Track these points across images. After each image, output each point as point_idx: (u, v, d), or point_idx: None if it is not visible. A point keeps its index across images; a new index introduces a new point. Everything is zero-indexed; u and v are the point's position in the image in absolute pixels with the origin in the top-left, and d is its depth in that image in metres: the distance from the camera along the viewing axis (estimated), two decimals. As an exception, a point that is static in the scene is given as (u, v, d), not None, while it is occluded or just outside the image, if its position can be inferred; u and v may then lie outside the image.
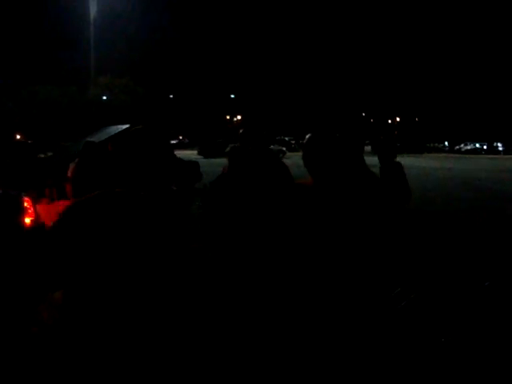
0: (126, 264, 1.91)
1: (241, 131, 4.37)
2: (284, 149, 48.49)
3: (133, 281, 1.92)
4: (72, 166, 6.62)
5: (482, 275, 5.91)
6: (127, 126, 7.77)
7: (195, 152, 48.27)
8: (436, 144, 73.46)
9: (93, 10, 57.64)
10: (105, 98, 63.40)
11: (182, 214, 2.21)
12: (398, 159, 2.81)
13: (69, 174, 6.66)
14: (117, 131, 7.72)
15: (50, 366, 1.92)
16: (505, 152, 64.36)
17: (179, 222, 2.27)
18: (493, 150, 65.91)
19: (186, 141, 79.37)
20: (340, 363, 2.64)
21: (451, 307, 4.98)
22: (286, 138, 64.34)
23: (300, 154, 2.96)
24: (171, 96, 79.37)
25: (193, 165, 7.73)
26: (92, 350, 1.88)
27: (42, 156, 15.06)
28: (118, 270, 1.90)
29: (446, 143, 76.85)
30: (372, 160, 2.98)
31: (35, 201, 6.38)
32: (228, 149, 3.91)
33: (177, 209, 2.33)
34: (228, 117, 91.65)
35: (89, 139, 7.11)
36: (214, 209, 3.71)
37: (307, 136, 2.83)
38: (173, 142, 64.65)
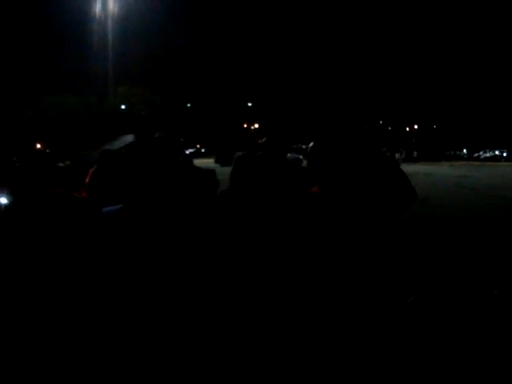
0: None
1: (263, 140, 4.37)
2: (301, 157, 48.48)
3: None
4: (90, 173, 6.68)
5: (491, 283, 5.86)
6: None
7: (212, 160, 48.49)
8: (456, 152, 72.76)
9: (111, 20, 58.19)
10: (123, 107, 63.90)
11: (192, 220, 2.21)
12: (416, 167, 2.79)
13: (86, 181, 6.71)
14: (133, 140, 7.79)
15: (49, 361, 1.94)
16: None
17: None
18: (513, 158, 65.22)
19: (203, 149, 79.70)
20: (350, 370, 2.63)
21: (464, 315, 4.94)
22: (303, 146, 64.29)
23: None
24: (188, 105, 79.84)
25: (209, 173, 7.74)
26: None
27: (61, 165, 15.20)
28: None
29: (465, 151, 76.28)
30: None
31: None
32: (235, 156, 3.90)
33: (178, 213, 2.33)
34: (245, 125, 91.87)
35: (106, 147, 7.18)
36: (224, 217, 3.70)
37: (311, 143, 2.81)
38: (190, 150, 64.93)
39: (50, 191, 2.04)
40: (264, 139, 4.39)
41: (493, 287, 5.60)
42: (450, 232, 10.31)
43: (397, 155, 58.74)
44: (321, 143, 2.78)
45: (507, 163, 57.33)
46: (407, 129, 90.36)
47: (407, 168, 41.20)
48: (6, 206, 1.81)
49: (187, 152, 56.44)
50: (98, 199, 5.67)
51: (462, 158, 71.72)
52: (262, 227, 3.37)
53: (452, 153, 70.77)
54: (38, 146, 50.57)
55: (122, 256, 2.03)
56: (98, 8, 57.78)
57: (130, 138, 8.18)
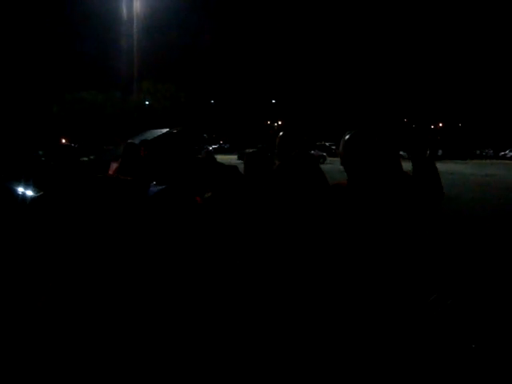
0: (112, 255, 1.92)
1: (280, 134, 4.26)
2: (324, 154, 48.39)
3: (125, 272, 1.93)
4: (115, 165, 6.71)
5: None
6: (167, 129, 7.87)
7: (235, 157, 48.55)
8: (482, 150, 71.61)
9: (136, 16, 58.50)
10: (147, 102, 64.31)
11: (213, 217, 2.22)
12: (442, 165, 2.78)
13: (110, 173, 6.76)
14: (156, 135, 7.81)
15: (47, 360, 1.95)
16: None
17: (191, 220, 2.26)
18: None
19: (227, 146, 79.85)
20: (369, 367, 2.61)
21: (487, 313, 4.89)
22: (327, 144, 64.07)
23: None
24: (212, 101, 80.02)
25: (232, 169, 7.72)
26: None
27: (86, 159, 15.34)
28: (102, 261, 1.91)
29: (491, 149, 75.24)
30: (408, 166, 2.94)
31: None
32: (245, 153, 3.87)
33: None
34: (269, 122, 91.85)
35: (130, 141, 7.20)
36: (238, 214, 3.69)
37: (347, 134, 2.80)
38: (213, 146, 65.09)
39: (96, 175, 2.05)
40: (280, 133, 4.29)
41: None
42: (476, 231, 10.19)
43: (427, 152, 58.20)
44: (358, 134, 2.77)
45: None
46: (432, 127, 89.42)
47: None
48: (51, 193, 1.80)
49: (210, 148, 56.72)
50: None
51: (488, 156, 70.64)
52: (279, 222, 3.36)
53: (478, 152, 69.68)
54: (63, 140, 51.10)
55: (165, 236, 2.04)
56: (123, 4, 58.22)
57: (153, 133, 8.23)
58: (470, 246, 8.30)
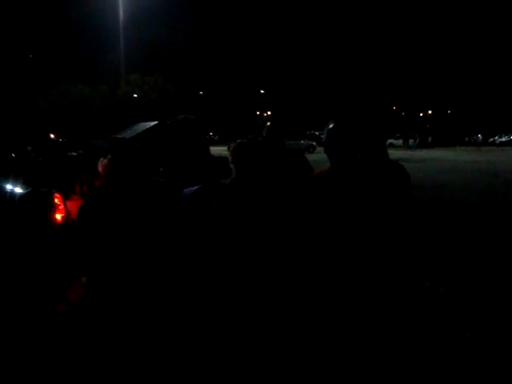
0: (143, 250, 1.91)
1: (267, 124, 4.28)
2: (314, 143, 48.32)
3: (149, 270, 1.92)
4: (104, 162, 6.67)
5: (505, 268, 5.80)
6: (155, 122, 7.84)
7: (225, 148, 48.41)
8: (471, 137, 71.79)
9: (122, 8, 58.03)
10: (135, 95, 63.96)
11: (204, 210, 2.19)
12: (431, 152, 2.78)
13: (100, 170, 6.71)
14: (145, 128, 7.77)
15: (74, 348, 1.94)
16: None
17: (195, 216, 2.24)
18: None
19: (216, 137, 79.69)
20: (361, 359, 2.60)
21: (479, 301, 4.90)
22: (317, 133, 64.08)
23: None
24: (201, 93, 79.71)
25: (222, 161, 7.69)
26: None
27: (74, 154, 15.24)
28: (136, 258, 1.90)
29: (480, 136, 75.54)
30: (404, 153, 2.92)
31: (65, 198, 6.49)
32: (233, 145, 3.85)
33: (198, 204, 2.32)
34: (258, 112, 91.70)
35: (119, 136, 7.16)
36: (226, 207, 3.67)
37: (331, 123, 2.79)
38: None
39: (131, 177, 2.03)
40: (268, 123, 4.31)
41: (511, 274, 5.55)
42: (468, 218, 10.21)
43: (410, 141, 58.42)
44: (340, 125, 2.75)
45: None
46: (421, 114, 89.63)
47: (422, 154, 41.07)
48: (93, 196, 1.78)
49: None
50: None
51: (477, 143, 70.94)
52: (265, 212, 3.36)
53: (467, 138, 69.91)
54: (52, 136, 50.76)
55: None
56: (109, -4, 57.77)
57: (142, 126, 8.17)
58: (461, 233, 8.31)
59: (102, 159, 6.77)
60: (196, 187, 2.08)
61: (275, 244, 3.28)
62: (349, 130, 2.71)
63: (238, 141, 4.01)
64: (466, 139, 68.77)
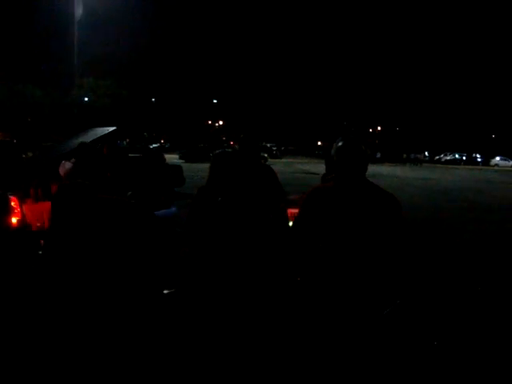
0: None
1: (241, 136, 4.59)
2: (266, 155, 48.58)
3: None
4: (68, 166, 6.51)
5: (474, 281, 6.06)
6: (114, 128, 7.80)
7: (176, 156, 48.07)
8: (418, 154, 73.52)
9: (78, 11, 57.19)
10: (86, 99, 62.99)
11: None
12: (381, 168, 2.95)
13: (62, 174, 6.55)
14: (104, 133, 7.72)
15: None
16: (483, 163, 65.52)
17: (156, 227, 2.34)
18: (471, 161, 67.22)
19: (167, 145, 79.07)
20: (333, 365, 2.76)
21: (440, 312, 5.12)
22: (268, 145, 64.45)
23: (283, 160, 3.06)
24: (153, 99, 79.10)
25: (176, 169, 7.70)
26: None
27: (23, 156, 14.87)
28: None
29: (427, 153, 77.51)
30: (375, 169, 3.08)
31: (21, 201, 6.35)
32: (217, 151, 3.99)
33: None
34: (210, 122, 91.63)
35: (80, 140, 7.05)
36: (199, 216, 3.77)
37: (340, 141, 2.91)
38: (154, 145, 64.25)
39: (98, 196, 2.11)
40: (241, 136, 4.59)
41: (476, 285, 5.82)
42: (426, 233, 10.53)
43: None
44: (350, 143, 2.87)
45: (466, 166, 58.92)
46: (370, 130, 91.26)
47: (371, 169, 41.39)
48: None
49: (152, 146, 55.43)
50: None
51: (423, 160, 72.80)
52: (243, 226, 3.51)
53: (413, 156, 71.72)
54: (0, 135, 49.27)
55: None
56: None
57: (100, 131, 8.11)
58: (421, 249, 8.49)
59: (64, 162, 6.63)
60: (169, 210, 2.18)
61: (244, 254, 3.45)
62: (359, 149, 2.85)
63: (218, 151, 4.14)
64: (412, 156, 70.56)
